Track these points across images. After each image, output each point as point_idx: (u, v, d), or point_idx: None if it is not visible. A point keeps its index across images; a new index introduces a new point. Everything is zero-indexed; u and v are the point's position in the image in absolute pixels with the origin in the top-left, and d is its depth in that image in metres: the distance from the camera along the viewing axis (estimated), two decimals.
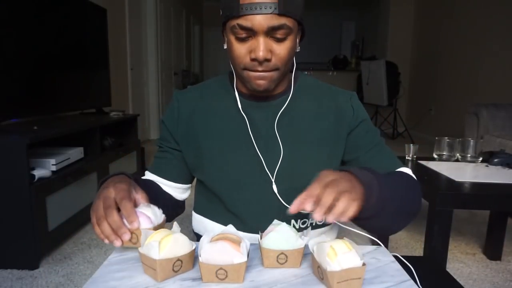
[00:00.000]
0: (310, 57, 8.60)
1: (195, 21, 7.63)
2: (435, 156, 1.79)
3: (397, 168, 0.85)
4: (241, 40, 0.71)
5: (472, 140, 1.70)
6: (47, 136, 1.81)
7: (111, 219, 0.60)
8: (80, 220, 2.13)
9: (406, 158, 1.82)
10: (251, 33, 0.70)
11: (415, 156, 1.80)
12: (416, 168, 1.66)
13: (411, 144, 1.81)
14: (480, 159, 1.70)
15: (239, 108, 0.81)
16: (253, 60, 0.72)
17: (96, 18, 2.85)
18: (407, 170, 0.84)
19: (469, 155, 1.70)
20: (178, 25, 6.24)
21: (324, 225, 0.89)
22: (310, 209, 0.57)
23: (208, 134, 0.85)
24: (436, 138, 1.80)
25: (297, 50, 0.78)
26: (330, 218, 0.57)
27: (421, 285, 0.62)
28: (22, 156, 1.62)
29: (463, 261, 1.88)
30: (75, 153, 2.13)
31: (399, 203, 0.73)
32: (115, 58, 3.72)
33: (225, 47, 0.79)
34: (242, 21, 0.69)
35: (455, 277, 0.94)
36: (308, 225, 0.87)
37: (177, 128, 0.87)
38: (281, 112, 0.82)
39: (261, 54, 0.70)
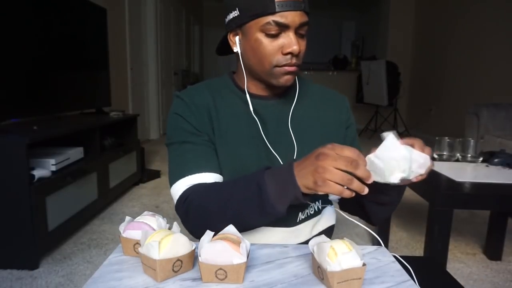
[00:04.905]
0: (310, 57, 8.57)
1: (195, 21, 7.63)
2: (435, 156, 1.79)
3: None
4: (272, 36, 0.75)
5: (472, 140, 1.70)
6: (47, 136, 1.81)
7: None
8: (80, 220, 2.13)
9: None
10: (283, 29, 0.74)
11: None
12: None
13: None
14: (481, 159, 1.70)
15: (250, 110, 0.82)
16: (286, 54, 0.76)
17: (96, 18, 2.85)
18: None
19: (469, 155, 1.70)
20: (178, 25, 6.24)
21: (315, 214, 0.90)
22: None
23: (222, 133, 0.84)
24: (436, 138, 1.80)
25: None
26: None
27: (421, 285, 0.62)
28: (22, 156, 1.62)
29: (463, 261, 1.88)
30: (75, 153, 2.13)
31: None
32: (115, 58, 3.72)
33: (235, 50, 0.81)
34: (278, 18, 0.73)
35: (455, 277, 0.94)
36: (309, 214, 0.88)
37: (198, 120, 0.83)
38: (292, 109, 0.86)
39: (296, 47, 0.74)
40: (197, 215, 0.74)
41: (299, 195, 0.63)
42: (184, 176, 0.78)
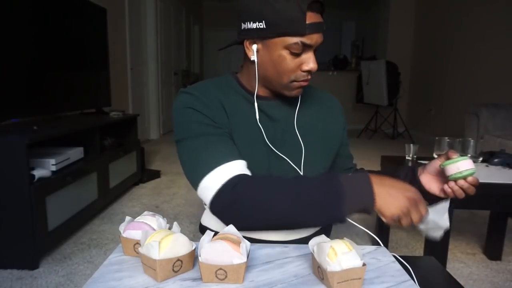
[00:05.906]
0: None
1: (195, 20, 7.63)
2: (435, 156, 1.79)
3: None
4: (296, 55, 0.78)
5: (472, 140, 1.70)
6: (47, 136, 1.81)
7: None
8: (80, 220, 2.13)
9: (406, 158, 1.82)
10: (306, 48, 0.77)
11: (415, 156, 1.79)
12: None
13: (411, 144, 1.81)
14: (480, 159, 1.70)
15: (258, 111, 0.85)
16: (304, 71, 0.80)
17: (96, 18, 2.85)
18: None
19: (469, 155, 1.70)
20: (178, 25, 6.24)
21: None
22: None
23: (235, 130, 0.84)
24: (436, 138, 1.79)
25: None
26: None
27: (421, 285, 0.62)
28: (22, 156, 1.62)
29: (463, 261, 1.88)
30: (75, 153, 2.13)
31: None
32: (115, 58, 3.72)
33: (252, 58, 0.81)
34: (306, 39, 0.76)
35: (455, 277, 0.94)
36: None
37: (214, 113, 0.82)
38: (297, 109, 0.90)
39: (314, 66, 0.79)
40: (250, 207, 0.71)
41: (370, 210, 0.69)
42: (220, 165, 0.75)
